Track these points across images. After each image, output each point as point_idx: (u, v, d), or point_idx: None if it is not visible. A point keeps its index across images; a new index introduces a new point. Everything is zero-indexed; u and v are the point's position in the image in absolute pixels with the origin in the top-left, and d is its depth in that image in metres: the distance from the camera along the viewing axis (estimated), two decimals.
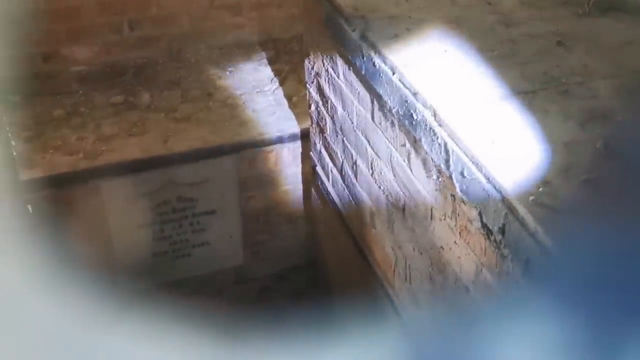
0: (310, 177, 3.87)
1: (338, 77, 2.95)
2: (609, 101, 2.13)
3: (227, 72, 4.60)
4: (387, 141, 2.57)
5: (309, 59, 3.34)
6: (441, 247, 2.28)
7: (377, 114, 2.60)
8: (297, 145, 4.06)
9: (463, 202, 2.05)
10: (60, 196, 3.87)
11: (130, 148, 3.98)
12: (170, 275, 4.25)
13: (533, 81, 2.25)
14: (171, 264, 4.21)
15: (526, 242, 1.74)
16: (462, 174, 2.02)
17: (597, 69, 2.29)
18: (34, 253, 3.34)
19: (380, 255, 2.89)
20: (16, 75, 4.45)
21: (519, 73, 2.29)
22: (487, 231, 1.93)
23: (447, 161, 2.09)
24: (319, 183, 3.60)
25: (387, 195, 2.69)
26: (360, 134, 2.84)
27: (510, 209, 1.80)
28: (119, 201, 3.95)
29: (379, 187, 2.75)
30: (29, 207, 3.62)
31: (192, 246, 4.20)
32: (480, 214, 1.95)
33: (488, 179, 1.89)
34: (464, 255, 2.13)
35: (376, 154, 2.71)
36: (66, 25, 4.50)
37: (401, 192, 2.54)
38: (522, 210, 1.76)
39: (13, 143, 3.59)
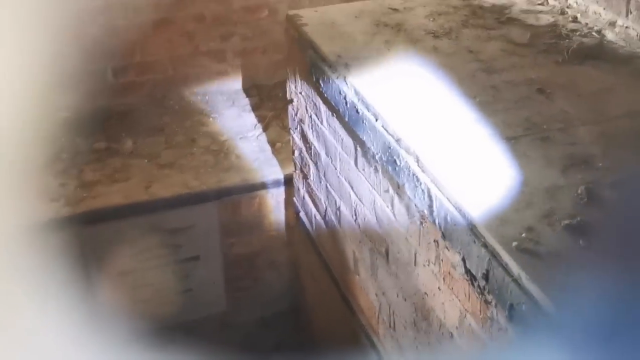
0: (293, 223, 3.87)
1: (321, 124, 2.97)
2: (589, 147, 2.15)
3: (211, 119, 4.61)
4: (370, 187, 2.58)
5: (292, 105, 3.36)
6: (425, 293, 2.28)
7: (361, 160, 2.61)
8: (281, 191, 4.06)
9: (446, 247, 2.06)
10: (42, 243, 3.84)
11: (112, 194, 3.96)
12: (153, 323, 4.21)
13: (515, 127, 2.27)
14: (154, 311, 4.17)
15: (510, 288, 1.74)
16: (445, 219, 2.02)
17: (578, 115, 2.32)
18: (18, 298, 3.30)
19: (364, 301, 2.87)
20: None
21: (501, 119, 2.31)
22: (471, 277, 1.93)
23: (430, 207, 2.10)
24: (303, 229, 3.60)
25: (370, 241, 2.69)
26: (343, 180, 2.85)
27: (494, 254, 1.80)
28: (101, 248, 3.92)
29: (363, 233, 2.75)
30: (13, 253, 3.58)
31: (175, 293, 4.17)
32: (463, 260, 1.95)
33: (471, 224, 1.90)
34: (448, 301, 2.12)
35: (360, 199, 2.72)
36: (50, 71, 4.51)
37: (385, 238, 2.54)
38: (505, 256, 1.77)
39: None
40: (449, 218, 2.00)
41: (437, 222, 2.07)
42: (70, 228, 3.84)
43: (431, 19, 3.04)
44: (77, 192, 3.98)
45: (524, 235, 1.81)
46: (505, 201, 1.95)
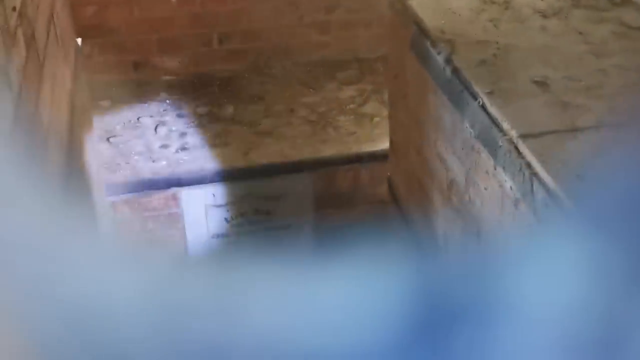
0: (386, 198, 3.86)
1: (422, 100, 2.94)
2: None
3: (311, 89, 4.64)
4: (466, 167, 2.55)
5: (392, 80, 3.34)
6: None
7: (459, 138, 2.58)
8: (376, 166, 4.06)
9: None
10: (141, 201, 3.96)
11: (211, 159, 4.05)
12: None
13: (622, 114, 2.19)
14: None
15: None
16: (542, 204, 1.98)
17: None
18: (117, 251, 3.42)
19: None
20: (107, 81, 4.59)
21: (607, 105, 2.24)
22: None
23: (527, 191, 2.06)
24: (396, 204, 3.59)
25: (463, 221, 2.66)
26: (439, 158, 2.83)
27: None
28: (197, 210, 4.01)
29: (456, 212, 2.72)
30: (112, 211, 3.72)
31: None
32: None
33: (569, 212, 1.85)
34: None
35: (455, 179, 2.69)
36: (158, 35, 4.62)
37: (478, 219, 2.51)
38: None
39: (100, 146, 3.70)
40: (545, 203, 1.96)
41: (533, 206, 2.03)
42: (169, 189, 3.95)
43: None
44: (178, 154, 4.08)
45: None
46: (609, 190, 1.89)
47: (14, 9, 1.96)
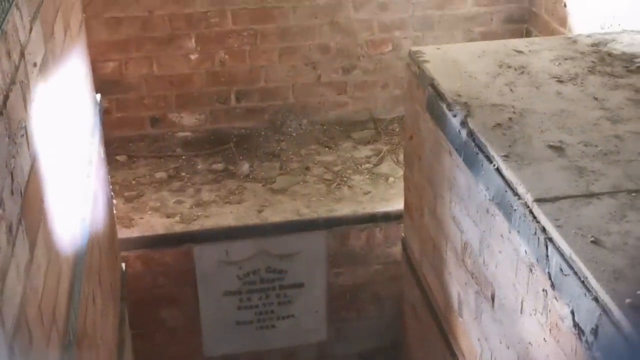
0: (400, 258, 3.84)
1: (437, 161, 2.95)
2: None
3: (327, 148, 4.66)
4: (481, 230, 2.53)
5: (408, 140, 3.35)
6: (530, 343, 2.21)
7: (474, 201, 2.57)
8: (390, 226, 4.05)
9: (555, 298, 1.99)
10: (154, 257, 3.96)
11: (225, 215, 4.05)
12: (253, 345, 4.26)
13: (637, 180, 2.18)
14: (255, 333, 4.22)
15: (620, 346, 1.67)
16: (556, 269, 1.96)
17: None
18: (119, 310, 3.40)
19: (466, 345, 2.82)
20: (124, 136, 4.64)
21: (623, 171, 2.23)
22: (579, 331, 1.86)
23: (541, 255, 2.04)
24: (409, 265, 3.57)
25: (476, 284, 2.64)
26: (454, 220, 2.82)
27: (605, 310, 1.73)
28: (209, 266, 4.00)
29: (470, 274, 2.70)
30: (123, 265, 3.71)
31: (277, 318, 4.21)
32: (572, 313, 1.89)
33: (584, 277, 1.83)
34: (552, 354, 2.05)
35: (469, 241, 2.68)
36: (176, 92, 4.68)
37: (491, 282, 2.48)
38: (617, 312, 1.70)
39: (115, 202, 3.71)
40: (560, 268, 1.94)
41: (547, 270, 2.01)
42: (182, 244, 3.95)
43: (557, 64, 2.98)
44: (192, 210, 4.09)
45: (639, 293, 1.73)
46: (622, 257, 1.87)
47: (34, 64, 1.99)
